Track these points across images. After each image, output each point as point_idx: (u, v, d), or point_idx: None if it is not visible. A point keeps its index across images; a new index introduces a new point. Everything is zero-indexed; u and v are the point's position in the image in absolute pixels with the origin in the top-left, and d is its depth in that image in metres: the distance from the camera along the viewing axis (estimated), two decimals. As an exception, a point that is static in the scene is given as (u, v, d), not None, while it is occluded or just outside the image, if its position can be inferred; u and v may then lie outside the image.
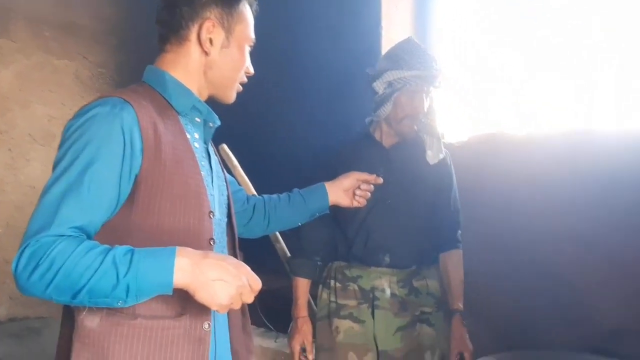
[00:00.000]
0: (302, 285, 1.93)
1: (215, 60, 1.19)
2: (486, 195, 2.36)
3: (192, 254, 0.98)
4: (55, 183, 1.00)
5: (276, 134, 3.28)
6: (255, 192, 2.37)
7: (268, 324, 2.76)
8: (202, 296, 0.97)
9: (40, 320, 3.50)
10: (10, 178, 3.57)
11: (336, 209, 1.67)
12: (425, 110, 1.80)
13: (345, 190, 1.56)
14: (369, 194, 1.58)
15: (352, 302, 1.86)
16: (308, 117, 3.21)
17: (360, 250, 1.86)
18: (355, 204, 1.58)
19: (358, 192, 1.57)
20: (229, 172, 2.34)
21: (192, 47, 1.18)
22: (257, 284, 1.01)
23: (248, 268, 1.02)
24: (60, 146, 1.05)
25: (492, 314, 2.23)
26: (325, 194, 1.54)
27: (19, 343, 3.29)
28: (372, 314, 1.84)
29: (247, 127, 3.33)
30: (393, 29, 2.92)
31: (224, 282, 0.97)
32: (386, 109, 1.79)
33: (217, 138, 2.44)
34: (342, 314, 1.86)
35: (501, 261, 2.38)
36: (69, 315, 1.11)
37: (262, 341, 2.85)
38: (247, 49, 1.24)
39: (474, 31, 2.77)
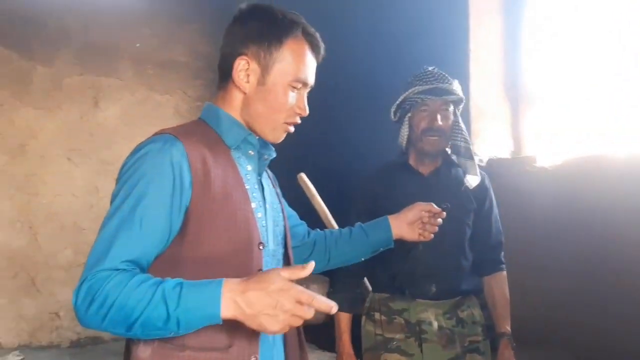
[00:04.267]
0: (345, 320, 1.92)
1: (251, 97, 1.17)
2: (582, 219, 2.17)
3: (236, 286, 0.97)
4: (110, 218, 1.04)
5: (355, 163, 3.25)
6: (334, 223, 2.33)
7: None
8: (252, 326, 0.97)
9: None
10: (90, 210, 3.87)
11: None
12: (441, 123, 1.79)
13: (409, 224, 1.48)
14: (436, 228, 1.49)
15: (399, 335, 1.84)
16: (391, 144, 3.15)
17: (406, 282, 1.84)
18: (422, 238, 1.50)
19: (426, 225, 1.49)
20: (308, 201, 2.34)
21: (233, 83, 1.18)
22: (307, 299, 0.95)
23: (292, 290, 0.96)
24: (117, 182, 1.10)
25: (578, 341, 2.04)
26: (388, 227, 1.47)
27: (121, 362, 3.48)
28: (420, 347, 1.82)
29: (329, 155, 3.34)
30: (481, 50, 2.81)
31: (267, 315, 0.95)
32: (404, 133, 1.84)
33: (298, 167, 2.47)
34: (389, 347, 1.84)
35: (592, 287, 2.17)
36: (128, 346, 1.14)
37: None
38: (293, 89, 1.17)
39: (564, 50, 2.59)
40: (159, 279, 0.99)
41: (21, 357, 3.46)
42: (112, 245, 1.00)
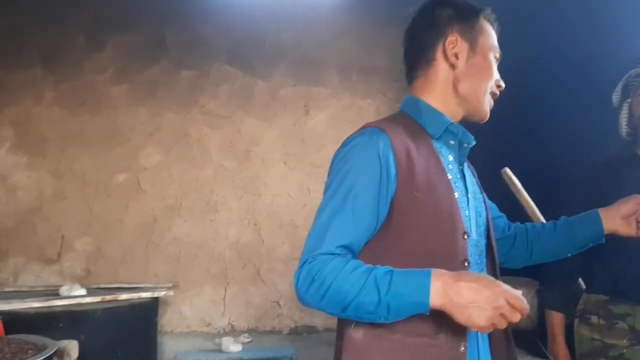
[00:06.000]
0: (559, 321, 1.83)
1: (462, 72, 1.22)
2: None
3: (445, 277, 0.99)
4: (324, 207, 1.12)
5: (566, 155, 3.00)
6: (541, 217, 2.20)
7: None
8: (458, 318, 0.99)
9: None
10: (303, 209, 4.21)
11: None
12: None
13: (623, 217, 1.34)
14: None
15: (622, 342, 1.67)
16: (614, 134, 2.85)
17: (631, 285, 1.67)
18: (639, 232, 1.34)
19: None
20: (513, 197, 2.24)
21: (440, 65, 1.22)
22: (518, 302, 0.96)
23: (505, 287, 0.97)
24: (329, 173, 1.19)
25: None
26: (598, 221, 1.35)
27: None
28: None
29: (536, 148, 3.14)
30: None
31: (478, 307, 0.96)
32: (622, 119, 1.73)
33: (501, 161, 2.38)
34: (610, 354, 1.70)
35: None
36: (341, 328, 1.22)
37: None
38: (494, 60, 1.25)
39: None
40: (370, 265, 1.05)
41: (250, 340, 3.88)
42: (327, 231, 1.09)
